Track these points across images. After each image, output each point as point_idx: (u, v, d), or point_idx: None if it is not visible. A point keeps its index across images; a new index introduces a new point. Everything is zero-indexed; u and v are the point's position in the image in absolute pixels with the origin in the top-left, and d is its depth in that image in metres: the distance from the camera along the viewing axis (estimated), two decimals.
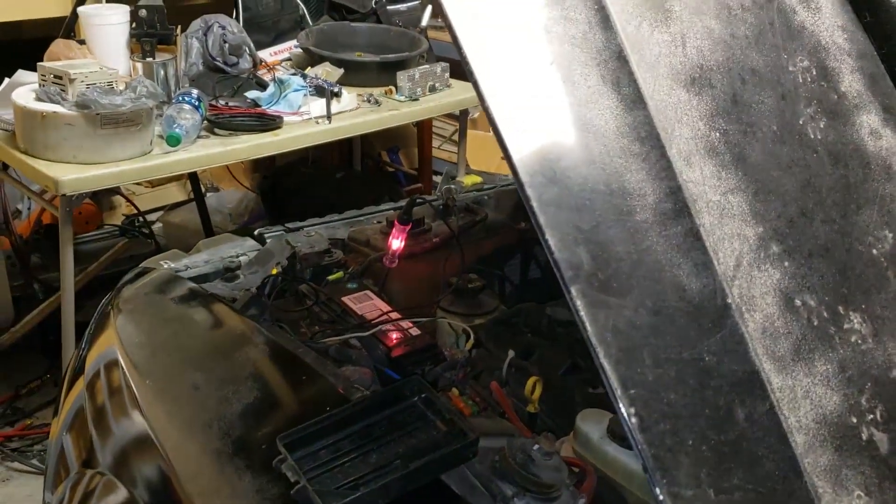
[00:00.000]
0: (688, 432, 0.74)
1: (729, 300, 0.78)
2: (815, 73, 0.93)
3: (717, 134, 0.85)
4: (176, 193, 3.76)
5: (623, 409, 0.73)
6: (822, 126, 0.90)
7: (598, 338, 0.75)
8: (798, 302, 0.81)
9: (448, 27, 0.81)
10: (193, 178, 3.16)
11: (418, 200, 1.79)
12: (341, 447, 1.04)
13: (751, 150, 0.86)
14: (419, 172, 3.74)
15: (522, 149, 0.79)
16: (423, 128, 3.63)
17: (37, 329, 2.94)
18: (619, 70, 0.83)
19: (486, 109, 0.80)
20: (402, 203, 2.11)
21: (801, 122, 0.89)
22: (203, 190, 3.40)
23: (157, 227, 3.57)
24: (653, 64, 0.85)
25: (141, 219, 3.44)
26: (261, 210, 3.62)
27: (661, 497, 0.71)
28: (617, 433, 1.16)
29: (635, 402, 0.73)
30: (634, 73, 0.84)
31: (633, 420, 0.73)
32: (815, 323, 0.81)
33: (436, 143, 3.86)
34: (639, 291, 0.77)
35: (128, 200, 3.46)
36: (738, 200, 0.83)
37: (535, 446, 1.13)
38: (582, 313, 0.75)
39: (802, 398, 0.78)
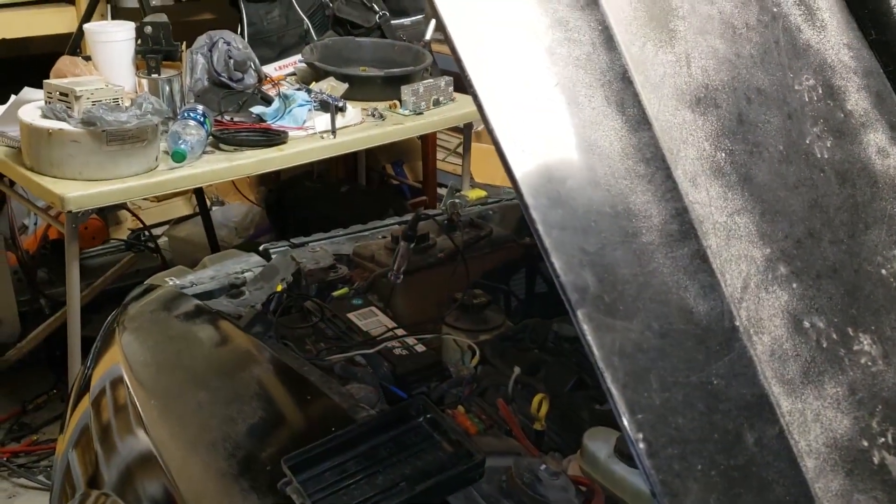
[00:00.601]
0: (696, 457, 0.73)
1: (737, 322, 0.78)
2: (821, 91, 0.92)
3: (723, 154, 0.84)
4: (181, 207, 3.76)
5: (631, 434, 0.72)
6: (828, 145, 0.90)
7: (605, 361, 0.74)
8: (807, 324, 0.81)
9: (452, 50, 0.81)
10: (199, 192, 3.16)
11: (423, 216, 1.78)
12: (347, 469, 1.04)
13: (757, 171, 0.85)
14: (424, 185, 3.74)
15: (527, 171, 0.78)
16: (428, 141, 3.63)
17: (43, 344, 2.95)
18: (624, 91, 0.83)
19: (490, 132, 0.80)
20: (407, 217, 2.11)
21: (807, 142, 0.89)
22: (208, 204, 3.40)
23: (162, 241, 3.57)
24: (657, 84, 0.85)
25: (147, 233, 3.45)
26: (266, 224, 3.62)
27: None
28: (625, 452, 1.15)
29: (643, 426, 0.73)
30: (639, 93, 0.83)
31: (641, 445, 0.72)
32: (825, 345, 0.81)
33: (440, 155, 3.86)
34: (645, 314, 0.76)
35: (133, 215, 3.47)
36: (744, 221, 0.82)
37: (542, 466, 1.13)
38: (588, 337, 0.74)
39: (812, 422, 0.77)
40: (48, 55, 2.76)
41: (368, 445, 1.07)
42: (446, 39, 0.82)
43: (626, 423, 0.73)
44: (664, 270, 0.78)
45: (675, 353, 0.76)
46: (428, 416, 1.11)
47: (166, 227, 3.69)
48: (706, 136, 0.84)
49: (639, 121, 0.82)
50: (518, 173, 0.78)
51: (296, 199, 3.49)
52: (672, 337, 0.76)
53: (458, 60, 0.80)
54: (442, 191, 3.67)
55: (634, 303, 0.76)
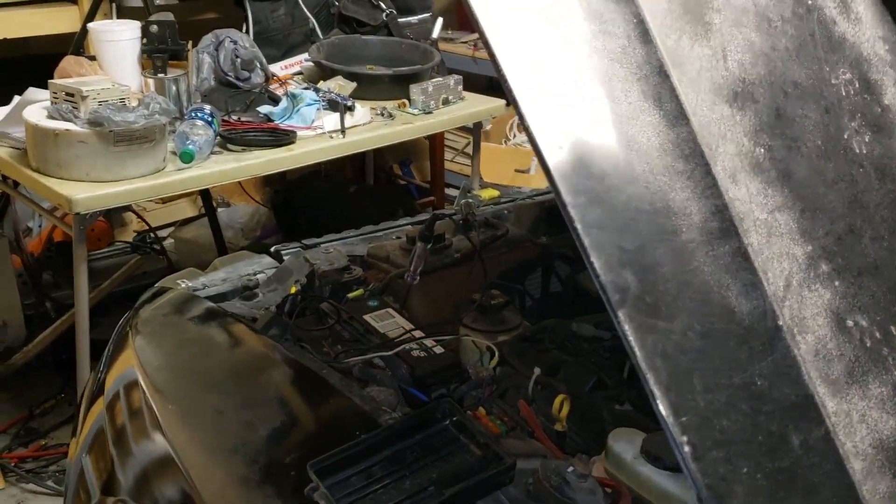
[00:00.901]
0: (742, 460, 0.72)
1: (780, 322, 0.76)
2: (857, 85, 0.90)
3: (762, 150, 0.83)
4: (186, 209, 3.74)
5: (676, 437, 0.71)
6: (866, 140, 0.88)
7: (647, 363, 0.72)
8: (850, 322, 0.79)
9: (484, 43, 0.79)
10: (205, 193, 3.14)
11: (439, 216, 1.77)
12: (373, 473, 1.02)
13: (796, 166, 0.83)
14: (432, 185, 3.72)
15: (564, 168, 0.76)
16: (436, 140, 3.61)
17: (49, 348, 2.92)
18: (661, 85, 0.81)
19: (526, 129, 0.78)
20: (420, 218, 2.09)
21: (845, 137, 0.87)
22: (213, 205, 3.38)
23: (168, 243, 3.55)
24: (694, 79, 0.83)
25: (152, 235, 3.42)
26: (273, 225, 3.59)
27: None
28: (651, 453, 1.14)
29: (688, 429, 0.71)
30: (676, 88, 0.82)
31: (687, 448, 0.70)
32: (868, 344, 0.79)
33: (448, 155, 3.84)
34: (687, 314, 0.74)
35: (139, 217, 3.44)
36: (785, 218, 0.81)
37: (570, 468, 1.11)
38: (630, 338, 0.72)
39: (858, 422, 0.75)
40: (49, 55, 2.73)
41: (394, 449, 1.05)
42: (478, 33, 0.80)
43: (670, 426, 0.71)
44: (705, 269, 0.76)
45: (717, 354, 0.74)
46: (454, 418, 1.09)
47: (171, 228, 3.67)
48: (744, 132, 0.83)
49: (676, 116, 0.80)
50: (555, 170, 0.76)
51: (304, 200, 3.46)
52: (714, 337, 0.75)
53: (491, 55, 0.79)
54: (450, 191, 3.65)
55: (676, 303, 0.75)
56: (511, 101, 0.78)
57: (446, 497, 0.97)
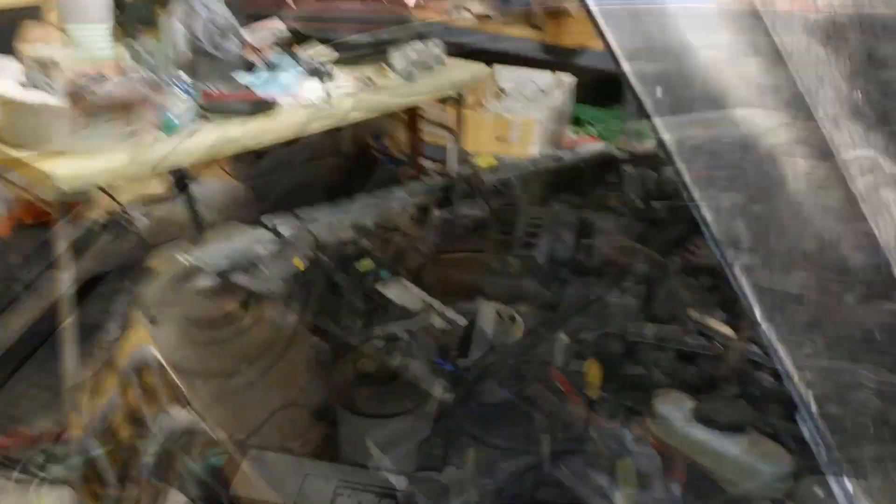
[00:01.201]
0: (868, 416, 0.69)
1: (895, 272, 0.73)
2: None
3: (859, 93, 0.79)
4: (154, 185, 3.61)
5: (802, 393, 0.67)
6: None
7: (767, 318, 0.68)
8: None
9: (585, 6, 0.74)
10: (178, 170, 3.02)
11: (453, 183, 1.72)
12: (435, 444, 0.97)
13: (891, 110, 0.80)
14: (410, 157, 3.64)
15: (668, 119, 0.72)
16: (413, 111, 3.52)
17: (26, 333, 2.80)
18: (755, 28, 0.77)
19: (625, 80, 0.73)
20: (414, 186, 2.03)
21: None
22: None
23: (140, 221, 3.42)
24: (787, 21, 0.79)
25: (124, 214, 3.30)
26: (248, 200, 3.49)
27: (850, 488, 0.65)
28: (705, 416, 1.11)
29: (812, 385, 0.68)
30: (769, 30, 0.78)
31: (813, 406, 0.67)
32: None
33: (421, 125, 3.76)
34: (802, 267, 0.71)
35: (107, 194, 3.31)
36: (888, 164, 0.77)
37: (629, 434, 1.08)
38: (747, 292, 0.69)
39: None
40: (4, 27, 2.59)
41: (454, 420, 1.00)
42: None
43: (795, 381, 0.67)
44: (816, 219, 0.73)
45: (836, 308, 0.71)
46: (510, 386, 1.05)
47: (141, 206, 3.54)
48: (841, 75, 0.79)
49: (774, 60, 0.77)
50: (656, 117, 0.72)
51: (280, 173, 3.36)
52: (831, 290, 0.71)
53: (590, 14, 0.74)
54: (427, 162, 3.58)
55: (790, 255, 0.71)
56: (609, 52, 0.73)
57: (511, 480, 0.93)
